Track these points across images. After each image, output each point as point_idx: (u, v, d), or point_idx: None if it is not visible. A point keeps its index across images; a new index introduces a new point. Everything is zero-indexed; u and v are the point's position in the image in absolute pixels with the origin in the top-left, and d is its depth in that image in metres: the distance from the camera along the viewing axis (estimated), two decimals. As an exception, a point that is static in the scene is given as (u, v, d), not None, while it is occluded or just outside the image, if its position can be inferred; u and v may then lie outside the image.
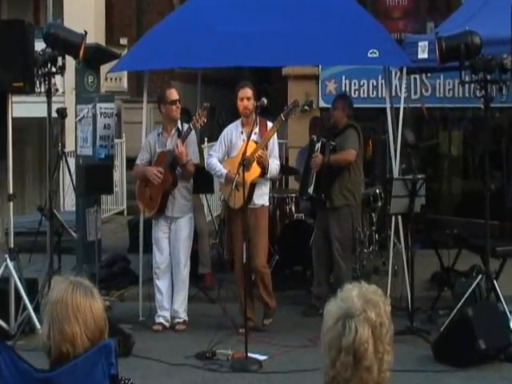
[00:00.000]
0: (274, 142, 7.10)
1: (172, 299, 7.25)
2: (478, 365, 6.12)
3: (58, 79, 7.49)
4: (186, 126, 7.17)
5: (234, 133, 7.11)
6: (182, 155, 7.00)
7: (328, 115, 7.87)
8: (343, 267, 7.45)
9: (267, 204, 7.18)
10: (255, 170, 6.87)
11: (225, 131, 7.19)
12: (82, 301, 2.54)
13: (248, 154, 6.74)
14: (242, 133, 7.04)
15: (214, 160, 7.06)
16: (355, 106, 10.43)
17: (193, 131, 7.18)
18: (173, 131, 7.25)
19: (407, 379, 5.77)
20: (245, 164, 6.56)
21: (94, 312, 2.53)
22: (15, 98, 7.10)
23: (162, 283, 7.26)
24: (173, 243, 7.22)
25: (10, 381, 2.51)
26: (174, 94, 7.25)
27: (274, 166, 7.01)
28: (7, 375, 2.52)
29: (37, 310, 6.43)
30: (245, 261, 6.58)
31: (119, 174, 12.14)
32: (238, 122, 7.15)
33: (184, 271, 7.23)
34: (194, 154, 7.23)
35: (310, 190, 7.41)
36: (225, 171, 6.95)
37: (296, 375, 6.03)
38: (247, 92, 7.01)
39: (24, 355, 2.59)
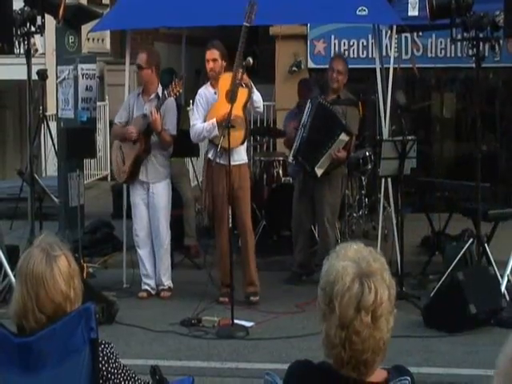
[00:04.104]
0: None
1: (156, 267, 7.12)
2: (469, 330, 6.08)
3: (37, 39, 7.26)
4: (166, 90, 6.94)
5: (208, 95, 6.82)
6: (156, 123, 6.77)
7: (323, 76, 7.56)
8: (331, 234, 7.36)
9: (247, 160, 6.98)
10: (241, 95, 6.50)
11: (198, 96, 6.86)
12: (35, 270, 2.47)
13: (228, 86, 6.44)
14: (215, 93, 6.77)
15: (199, 124, 6.75)
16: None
17: (172, 100, 6.93)
18: (152, 95, 7.03)
19: (397, 345, 5.68)
20: (233, 98, 6.32)
21: (46, 284, 2.46)
22: (-7, 60, 6.89)
23: (143, 252, 7.13)
24: (152, 212, 7.07)
25: (-13, 346, 2.46)
26: (140, 57, 7.01)
27: (257, 94, 6.65)
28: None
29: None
30: (230, 225, 6.40)
31: (102, 138, 11.97)
32: (208, 85, 6.88)
33: (165, 239, 7.09)
34: (171, 125, 6.97)
35: (317, 173, 7.09)
36: (214, 120, 6.59)
37: (283, 342, 5.96)
38: (212, 53, 6.75)
39: (6, 323, 2.53)
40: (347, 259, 2.13)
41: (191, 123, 6.86)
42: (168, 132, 6.93)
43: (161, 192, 7.05)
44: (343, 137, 7.08)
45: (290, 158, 7.43)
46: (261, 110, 6.86)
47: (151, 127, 6.86)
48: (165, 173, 7.11)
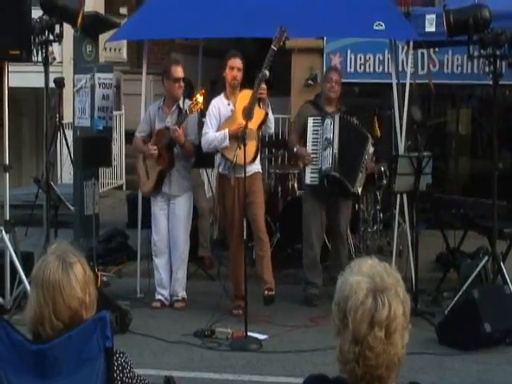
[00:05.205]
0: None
1: (171, 277, 7.11)
2: (483, 348, 6.03)
3: (55, 48, 7.34)
4: (187, 102, 6.94)
5: (220, 105, 6.81)
6: (179, 139, 6.82)
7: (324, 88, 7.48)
8: (345, 244, 7.38)
9: (261, 170, 6.96)
10: (258, 115, 6.58)
11: (211, 106, 6.83)
12: (51, 278, 2.46)
13: (246, 103, 6.50)
14: (229, 104, 6.79)
15: (211, 133, 6.73)
16: (361, 80, 10.30)
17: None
18: (173, 107, 7.05)
19: (411, 362, 5.66)
20: (248, 115, 6.39)
21: (63, 290, 2.46)
22: (11, 68, 6.92)
23: (159, 261, 7.13)
24: (172, 222, 7.07)
25: (3, 352, 2.46)
26: (179, 71, 7.03)
27: (271, 114, 6.74)
28: (1, 347, 2.48)
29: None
30: (245, 237, 6.37)
31: (118, 148, 11.99)
32: (222, 96, 6.86)
33: (183, 250, 7.09)
34: (193, 135, 7.00)
35: (359, 191, 7.15)
36: (226, 130, 6.60)
37: (296, 355, 5.93)
38: (238, 62, 6.76)
39: (20, 330, 2.52)
40: (361, 274, 2.12)
41: (203, 131, 6.83)
42: (191, 142, 6.96)
43: (182, 203, 7.06)
44: (370, 148, 7.25)
45: (311, 180, 7.20)
46: (272, 130, 6.92)
47: (173, 141, 6.89)
48: (187, 186, 7.13)
